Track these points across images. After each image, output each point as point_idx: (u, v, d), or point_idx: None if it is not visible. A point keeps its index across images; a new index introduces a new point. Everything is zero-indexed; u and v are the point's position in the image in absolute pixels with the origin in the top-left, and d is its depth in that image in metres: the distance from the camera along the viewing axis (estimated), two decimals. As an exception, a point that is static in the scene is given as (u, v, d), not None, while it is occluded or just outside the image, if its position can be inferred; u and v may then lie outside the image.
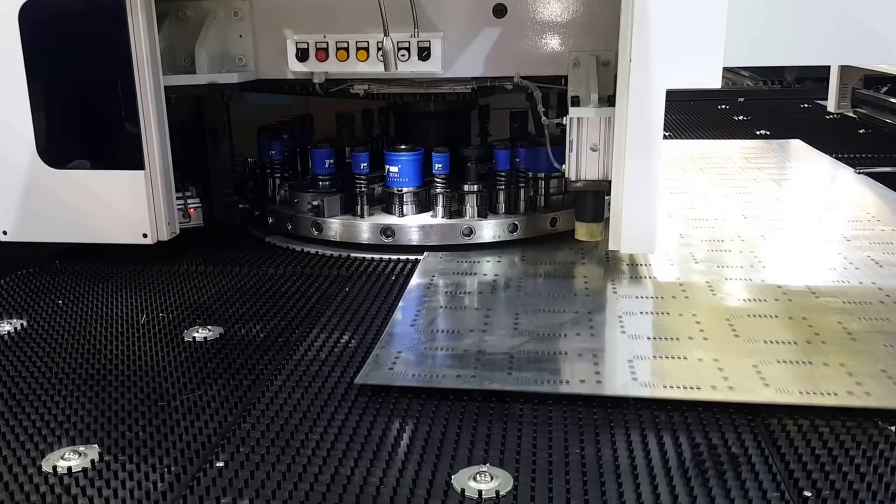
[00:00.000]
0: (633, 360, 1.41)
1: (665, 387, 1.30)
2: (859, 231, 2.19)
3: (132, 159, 1.88)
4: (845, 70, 3.91)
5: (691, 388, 1.30)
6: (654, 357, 1.43)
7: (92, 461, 1.15)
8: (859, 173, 2.65)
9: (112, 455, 1.16)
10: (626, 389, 1.30)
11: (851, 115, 3.88)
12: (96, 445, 1.19)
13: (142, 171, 1.89)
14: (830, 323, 1.55)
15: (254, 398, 1.33)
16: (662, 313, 1.63)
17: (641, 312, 1.64)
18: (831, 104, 4.01)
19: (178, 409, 1.30)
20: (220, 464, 1.14)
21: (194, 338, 1.57)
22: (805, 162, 3.10)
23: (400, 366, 1.41)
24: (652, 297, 1.74)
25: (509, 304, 1.70)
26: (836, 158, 3.06)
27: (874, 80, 3.67)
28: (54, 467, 1.13)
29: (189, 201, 2.07)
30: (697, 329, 1.53)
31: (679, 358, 1.41)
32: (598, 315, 1.63)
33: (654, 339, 1.50)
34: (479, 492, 1.06)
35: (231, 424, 1.24)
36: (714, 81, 1.68)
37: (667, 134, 3.60)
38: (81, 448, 1.17)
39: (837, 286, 1.77)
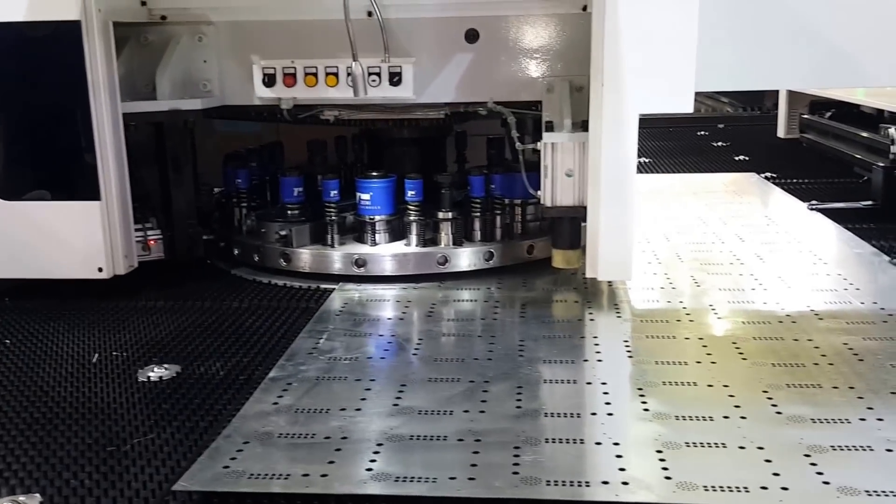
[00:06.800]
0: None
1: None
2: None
3: (87, 189, 1.81)
4: (793, 95, 3.90)
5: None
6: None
7: (32, 512, 1.09)
8: (812, 209, 2.66)
9: (54, 505, 1.10)
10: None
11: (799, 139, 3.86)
12: (38, 495, 1.13)
13: (97, 202, 1.82)
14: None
15: (210, 440, 1.26)
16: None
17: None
18: (781, 130, 4.00)
19: (128, 454, 1.23)
20: (172, 513, 1.07)
21: (149, 377, 1.50)
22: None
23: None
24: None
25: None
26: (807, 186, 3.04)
27: (819, 105, 3.66)
28: (-10, 519, 1.06)
29: (149, 233, 2.00)
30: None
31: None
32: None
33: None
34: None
35: (185, 469, 1.17)
36: (686, 106, 1.67)
37: (646, 161, 3.58)
38: (21, 498, 1.12)
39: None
